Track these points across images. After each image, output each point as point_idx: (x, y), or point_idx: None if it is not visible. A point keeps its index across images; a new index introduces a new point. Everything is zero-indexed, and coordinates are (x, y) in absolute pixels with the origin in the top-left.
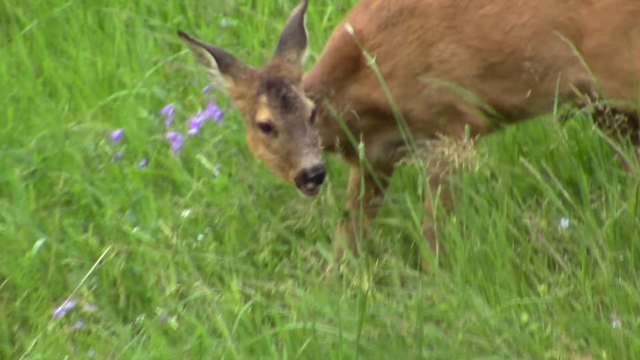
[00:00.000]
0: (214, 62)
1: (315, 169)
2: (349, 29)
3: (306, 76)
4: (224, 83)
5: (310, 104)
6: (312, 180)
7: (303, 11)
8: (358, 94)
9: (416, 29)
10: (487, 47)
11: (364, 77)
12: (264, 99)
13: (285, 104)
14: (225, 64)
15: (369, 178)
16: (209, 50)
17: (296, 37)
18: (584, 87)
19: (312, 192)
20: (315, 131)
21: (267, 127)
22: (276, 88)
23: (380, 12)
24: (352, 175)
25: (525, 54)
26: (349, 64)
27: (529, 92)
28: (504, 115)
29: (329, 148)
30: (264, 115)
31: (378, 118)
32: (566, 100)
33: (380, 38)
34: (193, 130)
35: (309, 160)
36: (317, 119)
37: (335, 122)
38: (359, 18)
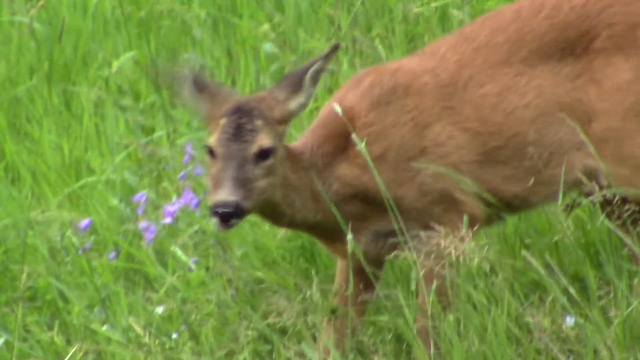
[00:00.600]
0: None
1: (220, 204)
2: (337, 108)
3: (296, 143)
4: (202, 104)
5: (266, 143)
6: (215, 215)
7: (320, 59)
8: (347, 174)
9: (410, 109)
10: (486, 130)
11: (354, 157)
12: (222, 122)
13: (236, 132)
14: (203, 85)
15: (357, 272)
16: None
17: (294, 79)
18: (592, 174)
19: (219, 227)
20: (258, 171)
21: (210, 151)
22: (238, 115)
23: (373, 89)
24: (340, 267)
25: (527, 138)
26: (339, 141)
27: (531, 180)
28: (504, 205)
29: (313, 232)
30: (212, 138)
31: (367, 204)
32: (572, 189)
33: (372, 117)
34: (167, 220)
35: (221, 194)
36: (284, 171)
37: (323, 199)
38: (350, 95)
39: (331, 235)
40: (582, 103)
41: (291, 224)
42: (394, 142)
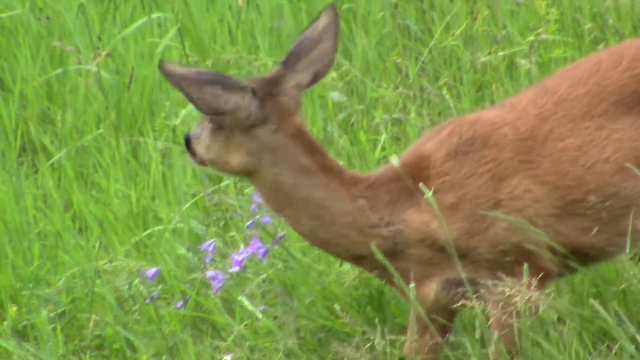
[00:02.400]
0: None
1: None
2: (395, 161)
3: (359, 173)
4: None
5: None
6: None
7: (337, 21)
8: (414, 219)
9: (488, 160)
10: (565, 184)
11: (426, 203)
12: None
13: None
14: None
15: (429, 320)
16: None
17: (323, 53)
18: None
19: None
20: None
21: None
22: None
23: (451, 139)
24: (412, 314)
25: (607, 192)
26: (409, 186)
27: (609, 231)
28: (580, 257)
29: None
30: None
31: (436, 251)
32: None
33: (447, 166)
34: (235, 269)
35: None
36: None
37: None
38: (430, 143)
39: (389, 276)
40: None
41: (335, 252)
42: (468, 192)
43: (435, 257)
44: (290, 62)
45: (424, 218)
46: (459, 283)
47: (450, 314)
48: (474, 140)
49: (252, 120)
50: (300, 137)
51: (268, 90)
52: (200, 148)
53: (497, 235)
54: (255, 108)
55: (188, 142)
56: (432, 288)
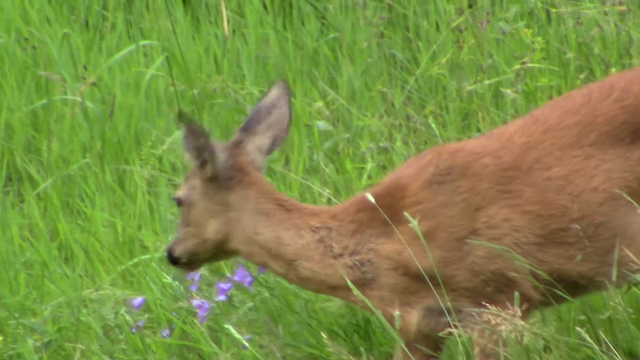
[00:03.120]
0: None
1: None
2: (369, 197)
3: (321, 207)
4: None
5: (179, 193)
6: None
7: (289, 92)
8: (385, 248)
9: (464, 190)
10: (549, 212)
11: (400, 233)
12: None
13: None
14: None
15: (416, 349)
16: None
17: (279, 118)
18: None
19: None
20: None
21: None
22: None
23: (429, 167)
24: (397, 343)
25: (594, 221)
26: (379, 215)
27: (597, 260)
28: (569, 287)
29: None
30: None
31: (411, 279)
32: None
33: (422, 195)
34: (221, 297)
35: None
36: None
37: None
38: (407, 172)
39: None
40: None
41: (313, 287)
42: (442, 221)
43: (411, 285)
44: (248, 127)
45: (395, 247)
46: (441, 311)
47: (436, 343)
48: (451, 170)
49: (227, 174)
50: (258, 186)
51: (231, 152)
52: (179, 246)
53: (474, 263)
54: (231, 162)
55: (171, 255)
56: (414, 316)
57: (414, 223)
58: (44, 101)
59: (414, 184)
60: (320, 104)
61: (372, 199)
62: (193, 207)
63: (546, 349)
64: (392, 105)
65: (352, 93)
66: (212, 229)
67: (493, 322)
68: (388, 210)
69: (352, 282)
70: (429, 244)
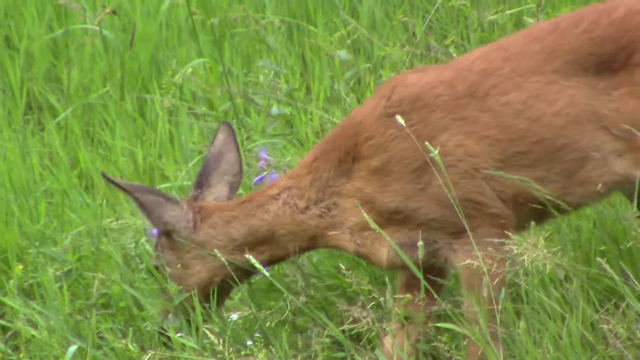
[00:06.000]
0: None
1: None
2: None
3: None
4: None
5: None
6: None
7: (233, 134)
8: (347, 188)
9: (414, 122)
10: (507, 137)
11: (357, 170)
12: None
13: None
14: None
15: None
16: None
17: (229, 163)
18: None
19: None
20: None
21: None
22: None
23: (381, 101)
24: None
25: (556, 144)
26: (339, 155)
27: (564, 181)
28: (540, 206)
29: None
30: None
31: (378, 215)
32: (614, 189)
33: (373, 129)
34: None
35: None
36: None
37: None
38: (363, 107)
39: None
40: (621, 113)
41: (301, 249)
42: (395, 154)
43: (378, 222)
44: (201, 182)
45: (355, 185)
46: (412, 245)
47: (435, 273)
48: (401, 102)
49: (190, 228)
50: (217, 207)
51: (191, 208)
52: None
53: (436, 193)
54: (191, 216)
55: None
56: (383, 252)
57: (435, 153)
58: (63, 31)
59: (367, 119)
60: (341, 33)
61: (330, 142)
62: (172, 267)
63: (567, 278)
64: (413, 34)
65: (373, 22)
66: (196, 278)
67: (516, 251)
68: (345, 148)
69: (324, 228)
70: (385, 177)
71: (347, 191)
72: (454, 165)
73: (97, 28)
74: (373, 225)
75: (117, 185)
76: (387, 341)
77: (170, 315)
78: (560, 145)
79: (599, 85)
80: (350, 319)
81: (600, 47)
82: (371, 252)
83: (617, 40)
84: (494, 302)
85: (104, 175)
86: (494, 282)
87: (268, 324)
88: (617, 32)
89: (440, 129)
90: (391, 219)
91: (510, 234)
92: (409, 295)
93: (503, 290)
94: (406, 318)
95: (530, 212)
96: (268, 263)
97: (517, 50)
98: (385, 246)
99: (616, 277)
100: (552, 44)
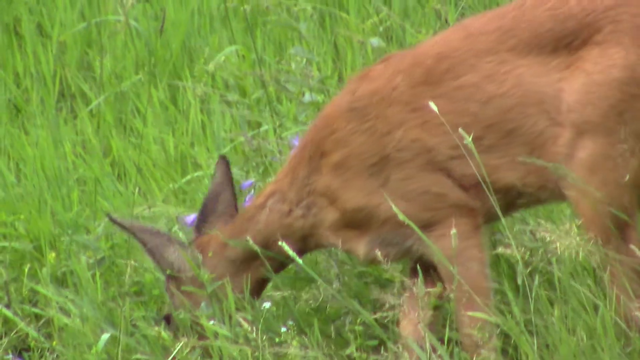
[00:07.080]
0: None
1: None
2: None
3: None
4: None
5: None
6: None
7: (228, 171)
8: (318, 185)
9: (371, 117)
10: (461, 121)
11: (324, 166)
12: None
13: None
14: None
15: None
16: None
17: (225, 204)
18: None
19: None
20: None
21: None
22: None
23: (345, 95)
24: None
25: (505, 128)
26: (310, 151)
27: (522, 168)
28: (511, 195)
29: None
30: None
31: (341, 213)
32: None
33: (337, 124)
34: None
35: None
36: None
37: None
38: (333, 100)
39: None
40: (565, 92)
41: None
42: (354, 149)
43: (344, 221)
44: (201, 225)
45: (325, 181)
46: (387, 241)
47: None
48: (363, 96)
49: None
50: (212, 237)
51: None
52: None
53: (396, 188)
54: (194, 255)
55: (168, 320)
56: (361, 249)
57: (468, 140)
58: (96, 19)
59: (333, 113)
60: (373, 20)
61: (302, 140)
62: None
63: (599, 267)
64: (446, 22)
65: (405, 9)
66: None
67: (548, 239)
68: (315, 143)
69: (310, 227)
70: (345, 172)
71: (320, 187)
72: (411, 161)
73: (125, 17)
74: (402, 216)
75: (124, 227)
76: (407, 327)
77: (203, 304)
78: (509, 130)
79: (553, 62)
80: (386, 306)
81: (562, 23)
82: (352, 248)
83: (582, 19)
84: (489, 281)
85: (109, 217)
86: (471, 252)
87: (301, 311)
88: (582, 11)
89: (396, 123)
90: (356, 217)
91: (480, 222)
92: (439, 287)
93: (537, 277)
94: (436, 308)
95: (498, 201)
96: (275, 271)
97: (477, 30)
98: (362, 243)
99: None
100: (511, 21)
